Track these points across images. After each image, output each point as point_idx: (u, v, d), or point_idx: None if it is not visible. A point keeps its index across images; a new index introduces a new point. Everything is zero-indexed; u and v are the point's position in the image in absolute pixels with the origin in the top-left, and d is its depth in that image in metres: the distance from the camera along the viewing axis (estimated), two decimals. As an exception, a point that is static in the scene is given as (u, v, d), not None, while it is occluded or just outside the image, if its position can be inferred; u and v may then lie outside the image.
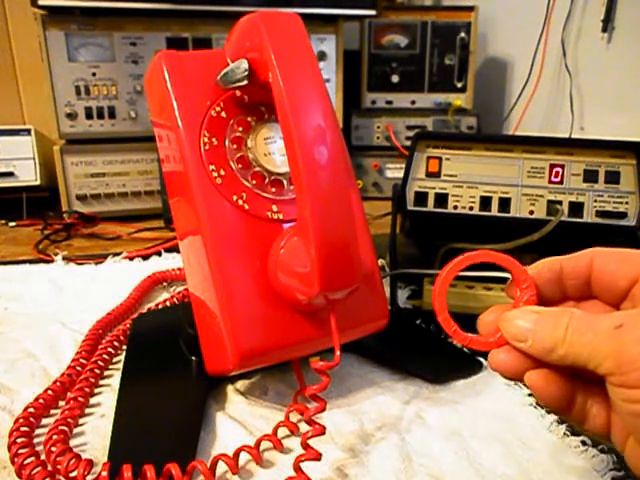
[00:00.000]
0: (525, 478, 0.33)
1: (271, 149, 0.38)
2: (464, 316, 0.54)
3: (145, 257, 0.70)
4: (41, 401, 0.37)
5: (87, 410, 0.38)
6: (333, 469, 0.33)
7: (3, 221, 0.87)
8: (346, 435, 0.36)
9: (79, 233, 0.82)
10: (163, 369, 0.42)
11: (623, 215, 0.52)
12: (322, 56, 0.92)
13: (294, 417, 0.37)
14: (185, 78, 0.37)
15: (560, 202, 0.53)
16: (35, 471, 0.31)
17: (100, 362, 0.43)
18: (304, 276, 0.32)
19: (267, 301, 0.35)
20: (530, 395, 0.41)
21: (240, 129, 0.38)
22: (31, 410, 0.36)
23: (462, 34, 0.99)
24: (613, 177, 0.52)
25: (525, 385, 0.26)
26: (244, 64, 0.35)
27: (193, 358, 0.41)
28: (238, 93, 0.38)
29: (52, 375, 0.43)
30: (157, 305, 0.55)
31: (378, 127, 1.02)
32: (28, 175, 0.90)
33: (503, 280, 0.55)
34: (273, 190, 0.38)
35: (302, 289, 0.33)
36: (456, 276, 0.30)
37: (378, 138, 1.02)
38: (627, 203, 0.52)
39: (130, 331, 0.48)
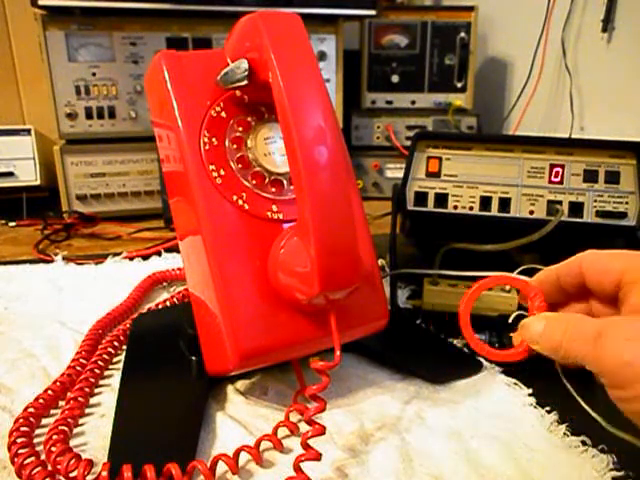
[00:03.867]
0: (525, 478, 0.33)
1: (271, 149, 0.38)
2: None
3: (145, 257, 0.70)
4: (41, 401, 0.37)
5: (87, 410, 0.38)
6: (333, 469, 0.33)
7: (3, 221, 0.87)
8: (346, 435, 0.36)
9: (79, 233, 0.82)
10: (163, 369, 0.42)
11: (623, 215, 0.52)
12: (322, 56, 0.92)
13: (294, 417, 0.37)
14: (185, 78, 0.37)
15: (560, 202, 0.53)
16: (35, 471, 0.31)
17: (100, 362, 0.43)
18: (304, 276, 0.32)
19: (267, 301, 0.35)
20: (530, 395, 0.41)
21: (240, 129, 0.38)
22: (31, 410, 0.36)
23: (462, 34, 0.99)
24: (613, 177, 0.52)
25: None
26: (244, 64, 0.35)
27: (193, 358, 0.41)
28: (238, 93, 0.38)
29: (52, 375, 0.43)
30: (157, 305, 0.55)
31: (378, 127, 1.02)
32: (28, 175, 0.90)
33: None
34: (273, 190, 0.38)
35: (302, 289, 0.33)
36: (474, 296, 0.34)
37: (378, 138, 1.02)
38: (627, 203, 0.52)
39: (130, 331, 0.48)
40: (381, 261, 0.61)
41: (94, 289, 0.60)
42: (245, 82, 0.36)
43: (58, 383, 0.39)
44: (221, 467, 0.32)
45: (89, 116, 0.85)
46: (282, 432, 0.36)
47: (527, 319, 0.31)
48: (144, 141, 0.87)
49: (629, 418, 0.24)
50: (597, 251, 0.30)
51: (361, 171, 1.01)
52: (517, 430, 0.37)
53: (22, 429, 0.34)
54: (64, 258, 0.69)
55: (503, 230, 0.55)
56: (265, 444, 0.34)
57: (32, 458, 0.32)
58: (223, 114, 0.38)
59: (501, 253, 0.53)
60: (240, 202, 0.36)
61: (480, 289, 0.34)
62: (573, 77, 0.94)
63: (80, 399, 0.38)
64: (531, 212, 0.53)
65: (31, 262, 0.68)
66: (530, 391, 0.41)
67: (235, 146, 0.38)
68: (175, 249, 0.69)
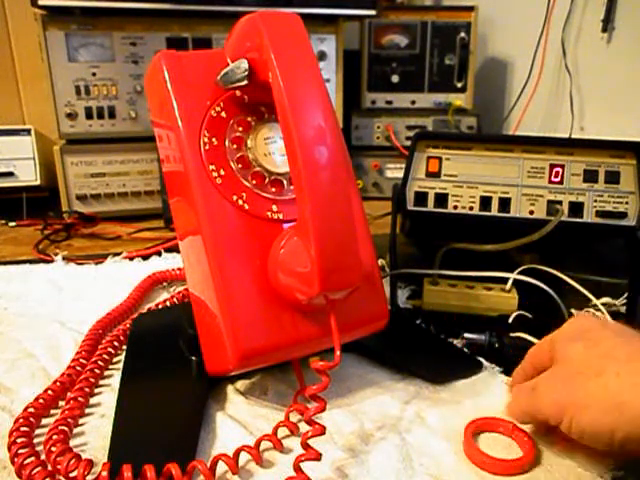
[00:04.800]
0: (525, 478, 0.33)
1: (271, 149, 0.38)
2: (464, 316, 0.54)
3: (145, 257, 0.70)
4: (41, 401, 0.37)
5: (87, 410, 0.38)
6: (333, 469, 0.33)
7: (3, 221, 0.87)
8: (346, 435, 0.36)
9: (79, 233, 0.82)
10: (163, 369, 0.42)
11: (623, 215, 0.52)
12: (322, 56, 0.92)
13: (294, 417, 0.37)
14: (185, 78, 0.37)
15: (560, 202, 0.53)
16: (35, 471, 0.31)
17: (100, 362, 0.43)
18: (304, 276, 0.32)
19: (267, 301, 0.35)
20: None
21: (240, 129, 0.38)
22: (31, 410, 0.36)
23: (462, 34, 0.99)
24: (613, 177, 0.52)
25: None
26: (244, 64, 0.35)
27: (193, 358, 0.41)
28: (238, 93, 0.38)
29: (52, 375, 0.43)
30: (157, 305, 0.55)
31: (378, 127, 1.02)
32: (28, 175, 0.90)
33: (503, 280, 0.55)
34: (273, 190, 0.38)
35: (302, 289, 0.33)
36: None
37: (378, 138, 1.02)
38: (627, 203, 0.52)
39: (130, 331, 0.48)
40: (381, 261, 0.61)
41: (94, 289, 0.60)
42: (245, 82, 0.36)
43: (58, 383, 0.39)
44: (221, 467, 0.32)
45: (89, 116, 0.85)
46: (282, 432, 0.36)
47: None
48: (144, 141, 0.87)
49: (583, 442, 0.29)
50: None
51: (361, 171, 1.01)
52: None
53: (22, 429, 0.34)
54: (64, 258, 0.69)
55: (503, 230, 0.55)
56: (265, 444, 0.34)
57: (32, 458, 0.32)
58: (223, 114, 0.38)
59: (501, 253, 0.53)
60: (240, 202, 0.36)
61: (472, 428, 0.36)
62: (573, 77, 0.94)
63: (80, 399, 0.38)
64: (531, 212, 0.53)
65: (31, 262, 0.68)
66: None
67: (235, 146, 0.38)
68: (175, 249, 0.69)
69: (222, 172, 0.36)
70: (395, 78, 1.01)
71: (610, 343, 0.30)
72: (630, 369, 0.27)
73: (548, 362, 0.34)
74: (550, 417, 0.29)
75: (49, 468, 0.31)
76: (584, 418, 0.28)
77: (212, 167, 0.36)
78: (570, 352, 0.30)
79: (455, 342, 0.48)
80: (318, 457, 0.31)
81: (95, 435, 0.36)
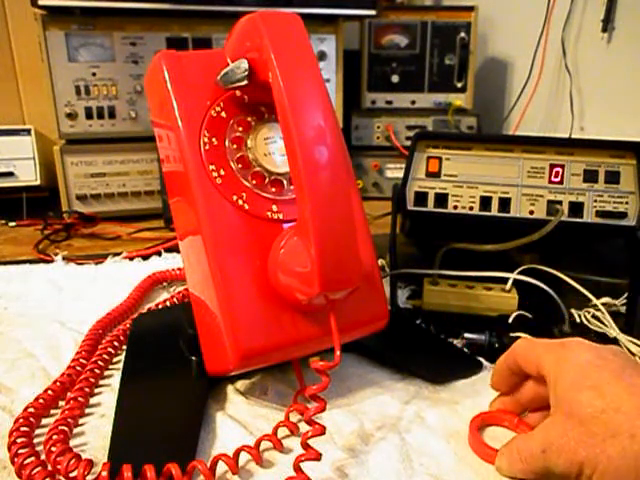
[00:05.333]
0: (525, 478, 0.33)
1: (271, 149, 0.38)
2: (464, 316, 0.54)
3: (145, 257, 0.70)
4: (41, 401, 0.37)
5: (87, 410, 0.38)
6: (333, 469, 0.33)
7: (3, 221, 0.87)
8: (346, 435, 0.36)
9: (79, 233, 0.82)
10: (163, 369, 0.42)
11: (623, 215, 0.52)
12: (322, 56, 0.92)
13: (294, 417, 0.37)
14: (185, 78, 0.37)
15: (560, 202, 0.53)
16: (35, 471, 0.31)
17: (100, 362, 0.43)
18: (304, 276, 0.32)
19: (267, 301, 0.35)
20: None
21: (240, 129, 0.38)
22: (31, 410, 0.36)
23: (462, 34, 0.99)
24: (613, 177, 0.52)
25: None
26: (244, 64, 0.35)
27: (193, 358, 0.41)
28: (238, 93, 0.38)
29: (52, 375, 0.43)
30: (157, 305, 0.55)
31: (378, 127, 1.02)
32: (28, 175, 0.90)
33: (503, 280, 0.55)
34: (273, 190, 0.38)
35: (302, 289, 0.33)
36: None
37: (378, 138, 1.02)
38: (627, 203, 0.52)
39: (130, 331, 0.48)
40: (381, 261, 0.61)
41: (94, 289, 0.60)
42: (245, 82, 0.36)
43: (58, 383, 0.39)
44: (221, 467, 0.32)
45: (89, 116, 0.85)
46: (282, 432, 0.36)
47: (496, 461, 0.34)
48: (144, 141, 0.87)
49: None
50: (526, 339, 0.37)
51: (361, 171, 1.01)
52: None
53: (22, 429, 0.34)
54: (64, 258, 0.69)
55: (503, 230, 0.55)
56: (265, 444, 0.34)
57: (32, 458, 0.32)
58: (223, 114, 0.38)
59: (501, 253, 0.53)
60: (240, 202, 0.36)
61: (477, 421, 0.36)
62: (573, 77, 0.94)
63: (80, 399, 0.38)
64: (531, 212, 0.53)
65: (31, 262, 0.68)
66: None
67: (235, 146, 0.38)
68: (175, 249, 0.69)
69: (222, 172, 0.36)
70: (395, 78, 1.01)
71: (615, 391, 0.29)
72: None
73: (534, 371, 0.34)
74: (566, 476, 0.29)
75: (49, 468, 0.31)
76: (606, 477, 0.27)
77: (212, 167, 0.36)
78: (576, 406, 0.30)
79: (455, 342, 0.48)
80: (318, 457, 0.31)
81: (95, 435, 0.36)
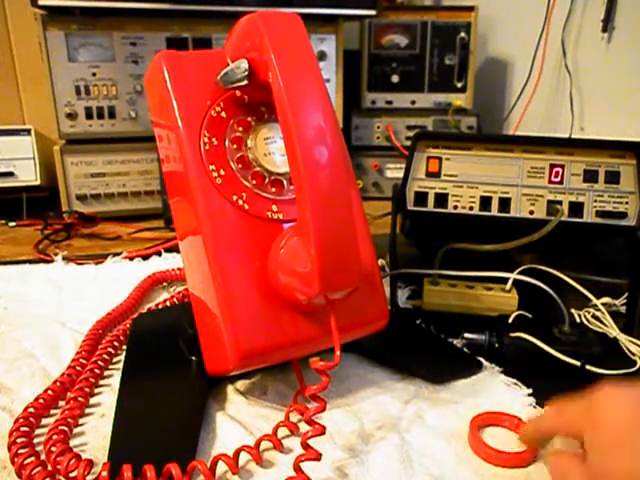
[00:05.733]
0: (525, 477, 0.33)
1: (271, 149, 0.38)
2: (464, 316, 0.54)
3: (145, 257, 0.70)
4: (41, 401, 0.37)
5: (87, 410, 0.38)
6: (333, 469, 0.33)
7: (3, 221, 0.87)
8: (346, 435, 0.36)
9: (79, 233, 0.82)
10: (163, 369, 0.42)
11: (623, 215, 0.52)
12: (322, 56, 0.92)
13: (294, 417, 0.37)
14: (185, 78, 0.37)
15: (560, 202, 0.53)
16: (35, 471, 0.31)
17: (100, 362, 0.43)
18: (304, 276, 0.32)
19: (267, 301, 0.35)
20: (530, 395, 0.41)
21: (240, 129, 0.38)
22: (31, 410, 0.36)
23: (462, 34, 0.99)
24: (613, 177, 0.52)
25: None
26: (244, 64, 0.35)
27: (193, 358, 0.41)
28: (238, 93, 0.38)
29: (52, 375, 0.43)
30: (157, 305, 0.55)
31: (378, 127, 1.02)
32: (28, 175, 0.90)
33: (503, 280, 0.55)
34: (273, 190, 0.38)
35: (302, 289, 0.33)
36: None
37: (378, 138, 1.02)
38: (627, 203, 0.52)
39: (130, 331, 0.48)
40: (381, 261, 0.61)
41: (94, 289, 0.60)
42: (245, 82, 0.36)
43: (58, 383, 0.39)
44: (221, 467, 0.32)
45: (89, 116, 0.85)
46: (282, 432, 0.36)
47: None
48: (144, 141, 0.87)
49: None
50: (552, 407, 0.33)
51: (361, 171, 1.01)
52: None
53: (22, 429, 0.34)
54: (64, 258, 0.69)
55: (503, 230, 0.55)
56: (265, 444, 0.34)
57: (32, 458, 0.32)
58: (223, 114, 0.38)
59: (501, 253, 0.53)
60: (240, 202, 0.36)
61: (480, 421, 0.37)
62: (573, 77, 0.93)
63: (80, 399, 0.38)
64: (531, 212, 0.53)
65: (31, 262, 0.68)
66: (530, 391, 0.41)
67: (235, 146, 0.38)
68: (175, 249, 0.69)
69: (222, 172, 0.36)
70: (395, 78, 1.01)
71: None
72: None
73: (571, 436, 0.31)
74: None
75: (49, 468, 0.31)
76: None
77: (212, 167, 0.36)
78: (618, 472, 0.27)
79: (455, 342, 0.48)
80: (318, 457, 0.31)
81: (95, 435, 0.36)
